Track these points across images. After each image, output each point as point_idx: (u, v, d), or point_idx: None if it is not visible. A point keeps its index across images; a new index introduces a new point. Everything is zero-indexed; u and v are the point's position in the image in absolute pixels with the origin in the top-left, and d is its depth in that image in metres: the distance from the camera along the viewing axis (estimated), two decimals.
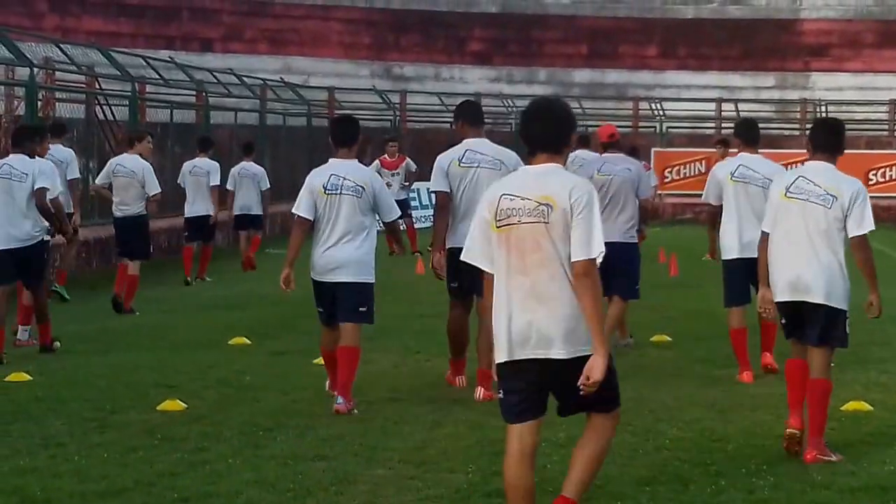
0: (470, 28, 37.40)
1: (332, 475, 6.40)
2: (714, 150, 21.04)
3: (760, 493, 6.16)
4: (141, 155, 13.49)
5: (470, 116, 8.80)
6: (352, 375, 8.03)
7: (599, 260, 4.95)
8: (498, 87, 36.20)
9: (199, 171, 16.32)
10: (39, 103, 15.88)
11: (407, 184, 20.37)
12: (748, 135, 9.42)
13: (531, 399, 4.99)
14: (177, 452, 6.86)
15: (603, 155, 10.67)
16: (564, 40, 37.51)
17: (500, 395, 5.07)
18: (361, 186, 8.06)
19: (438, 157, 8.76)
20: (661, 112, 33.84)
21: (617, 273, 9.72)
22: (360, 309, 8.08)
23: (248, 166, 17.46)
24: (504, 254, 4.98)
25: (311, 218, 8.10)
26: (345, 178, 8.06)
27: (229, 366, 9.69)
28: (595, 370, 4.85)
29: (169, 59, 25.96)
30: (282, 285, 8.10)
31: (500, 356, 5.00)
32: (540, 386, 5.00)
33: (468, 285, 8.42)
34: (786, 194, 6.85)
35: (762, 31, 37.24)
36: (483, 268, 5.08)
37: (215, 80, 25.53)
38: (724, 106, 33.87)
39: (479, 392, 8.37)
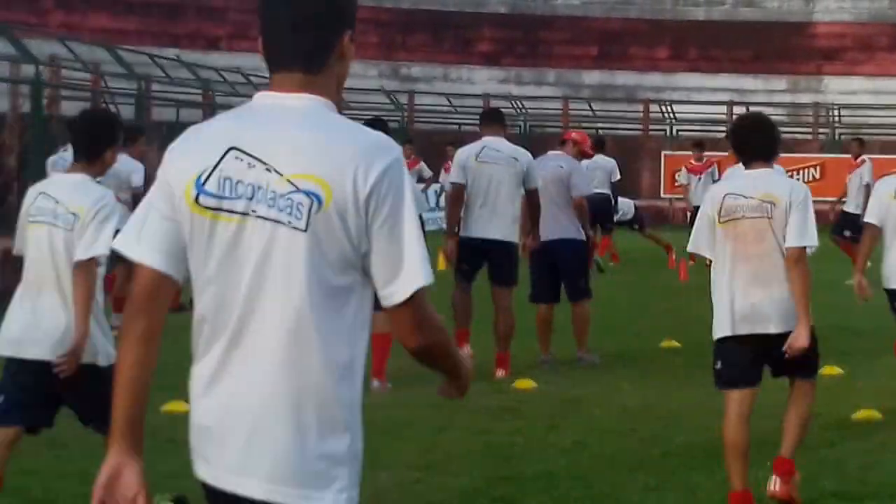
0: (478, 28, 37.27)
1: None
2: (689, 152, 20.92)
3: (770, 501, 6.09)
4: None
5: (487, 119, 9.99)
6: (385, 359, 8.79)
7: (810, 251, 5.85)
8: (506, 88, 36.08)
9: None
10: (44, 101, 15.83)
11: (421, 186, 20.39)
12: None
13: (748, 368, 5.85)
14: (181, 455, 6.79)
15: (546, 153, 10.68)
16: (574, 41, 37.36)
17: (719, 366, 5.90)
18: None
19: (458, 151, 9.87)
20: (671, 115, 33.67)
21: (563, 273, 10.01)
22: None
23: None
24: (728, 245, 5.82)
25: None
26: None
27: None
28: (799, 339, 5.71)
29: (175, 57, 25.93)
30: None
31: (723, 331, 5.85)
32: (755, 357, 5.84)
33: (473, 271, 9.57)
34: (895, 195, 7.76)
35: (774, 33, 36.97)
36: (707, 255, 6.05)
37: (222, 79, 25.47)
38: (736, 109, 33.63)
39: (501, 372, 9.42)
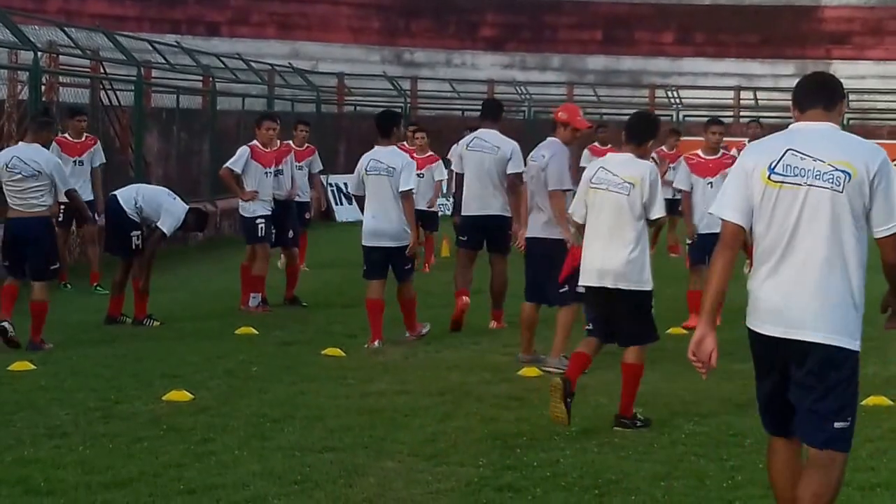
0: (482, 13, 37.11)
1: (341, 467, 6.31)
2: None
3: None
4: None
5: (483, 112, 11.21)
6: (412, 315, 10.25)
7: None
8: (510, 73, 35.94)
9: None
10: (43, 88, 15.71)
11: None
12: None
13: None
14: (183, 443, 6.77)
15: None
16: (579, 26, 37.19)
17: None
18: (392, 167, 10.00)
19: (455, 144, 11.52)
20: (677, 100, 33.49)
21: (542, 275, 9.24)
22: (406, 267, 10.11)
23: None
24: None
25: (361, 194, 10.13)
26: (379, 161, 10.04)
27: (236, 356, 9.58)
28: None
29: (175, 43, 25.76)
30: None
31: None
32: None
33: (473, 242, 10.99)
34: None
35: (782, 17, 36.70)
36: None
37: (222, 65, 25.30)
38: (743, 94, 33.50)
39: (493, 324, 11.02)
